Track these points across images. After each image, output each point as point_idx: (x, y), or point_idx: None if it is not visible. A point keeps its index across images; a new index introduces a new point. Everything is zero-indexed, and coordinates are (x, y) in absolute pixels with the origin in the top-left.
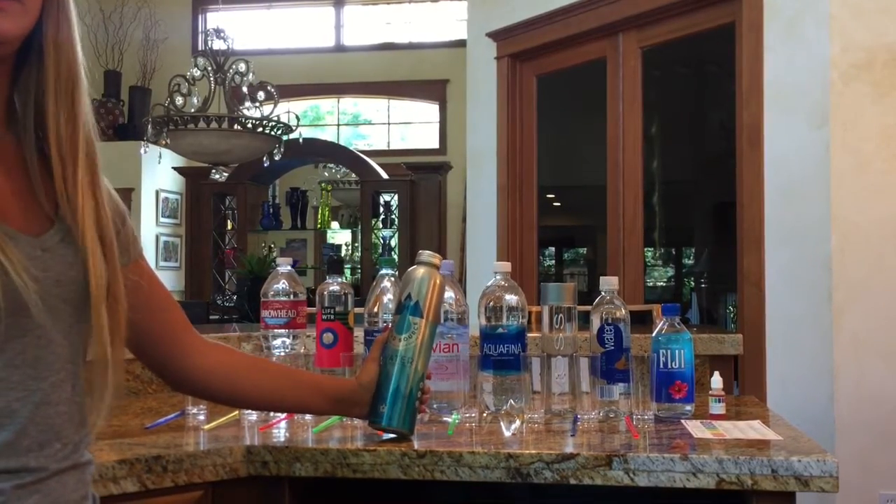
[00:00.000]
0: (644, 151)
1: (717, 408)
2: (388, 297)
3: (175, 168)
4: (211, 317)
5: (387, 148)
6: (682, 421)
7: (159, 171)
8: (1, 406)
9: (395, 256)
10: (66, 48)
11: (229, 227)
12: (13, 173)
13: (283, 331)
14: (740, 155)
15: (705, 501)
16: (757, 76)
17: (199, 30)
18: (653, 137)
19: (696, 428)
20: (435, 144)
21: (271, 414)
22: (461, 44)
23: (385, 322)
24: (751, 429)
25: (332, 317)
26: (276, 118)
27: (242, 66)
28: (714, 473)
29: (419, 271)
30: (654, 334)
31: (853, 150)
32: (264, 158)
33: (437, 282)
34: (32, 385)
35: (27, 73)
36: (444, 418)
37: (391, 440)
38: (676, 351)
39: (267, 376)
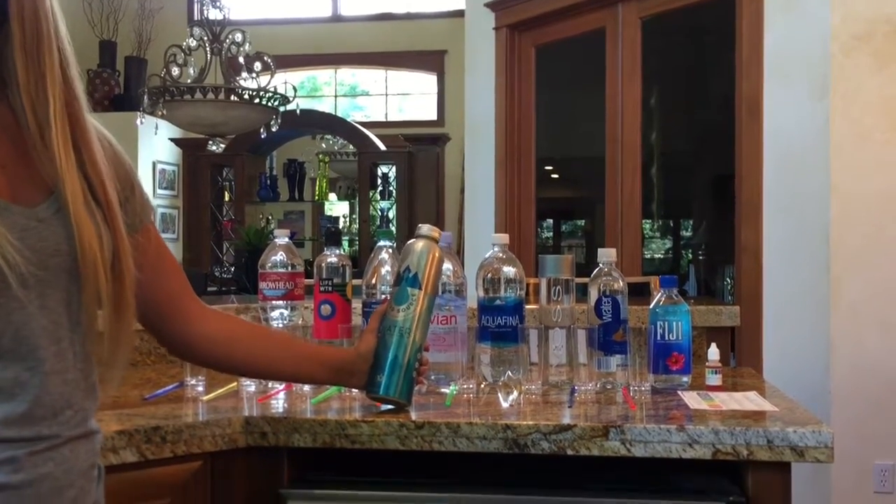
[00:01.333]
0: (643, 123)
1: (714, 379)
2: (386, 269)
3: (172, 139)
4: (209, 288)
5: (384, 119)
6: (679, 392)
7: (156, 143)
8: (10, 377)
9: (393, 228)
10: (29, 8)
11: (227, 198)
12: (4, 143)
13: (281, 302)
14: (739, 126)
15: (701, 472)
16: (757, 47)
17: None
18: (652, 108)
19: (692, 399)
20: (433, 116)
21: (270, 385)
22: (459, 14)
23: (383, 294)
24: (747, 400)
25: (330, 288)
26: (272, 89)
27: (239, 37)
28: (710, 444)
29: (418, 244)
30: (651, 306)
31: (853, 122)
32: (261, 130)
33: (436, 255)
34: (41, 354)
35: (2, 40)
36: (442, 389)
37: (389, 411)
38: (674, 323)
39: (266, 344)
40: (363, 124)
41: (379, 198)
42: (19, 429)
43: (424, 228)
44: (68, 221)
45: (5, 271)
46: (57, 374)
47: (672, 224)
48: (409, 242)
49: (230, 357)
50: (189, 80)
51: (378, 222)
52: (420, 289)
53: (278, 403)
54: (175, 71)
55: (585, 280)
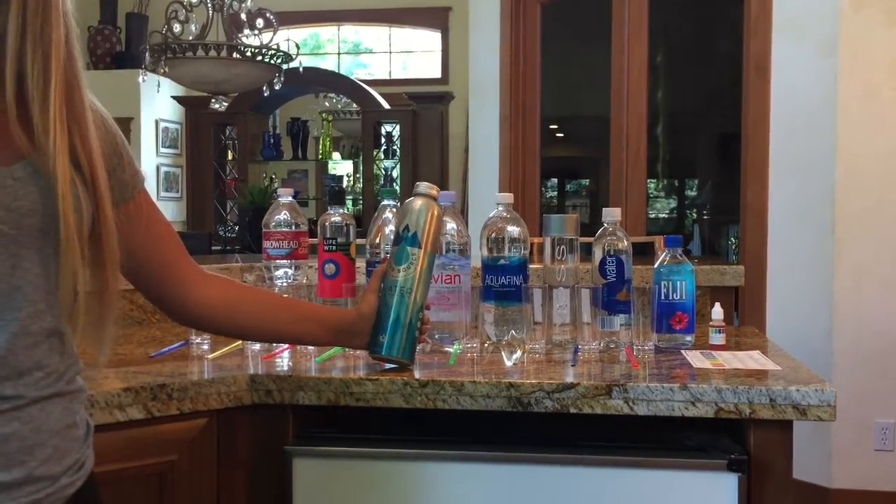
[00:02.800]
0: (649, 81)
1: (717, 338)
2: (390, 228)
3: (174, 97)
4: (213, 248)
5: (388, 77)
6: (682, 351)
7: (158, 101)
8: None
9: (397, 187)
10: None
11: (230, 157)
12: None
13: (285, 261)
14: (747, 84)
15: (702, 430)
16: (766, 2)
17: None
18: (658, 67)
19: (695, 358)
20: (437, 74)
21: (274, 343)
22: None
23: (387, 253)
24: (750, 359)
25: (334, 248)
26: (275, 46)
27: None
28: (713, 402)
29: (417, 202)
30: (655, 266)
31: (861, 80)
32: (264, 87)
33: (435, 213)
34: (8, 315)
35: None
36: (446, 348)
37: (393, 370)
38: (678, 282)
39: (266, 308)
40: (367, 82)
41: (382, 157)
42: None
43: (422, 186)
44: (45, 183)
45: None
46: (28, 335)
47: (677, 184)
48: (407, 201)
49: (231, 321)
50: (191, 38)
51: (382, 181)
52: (420, 248)
53: (283, 362)
54: (176, 28)
55: (590, 239)
